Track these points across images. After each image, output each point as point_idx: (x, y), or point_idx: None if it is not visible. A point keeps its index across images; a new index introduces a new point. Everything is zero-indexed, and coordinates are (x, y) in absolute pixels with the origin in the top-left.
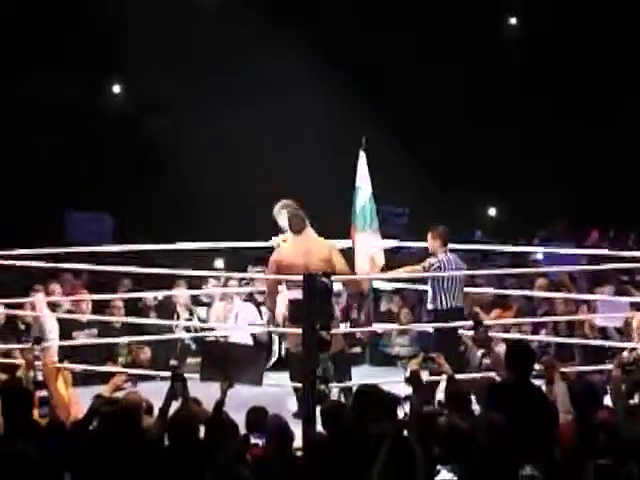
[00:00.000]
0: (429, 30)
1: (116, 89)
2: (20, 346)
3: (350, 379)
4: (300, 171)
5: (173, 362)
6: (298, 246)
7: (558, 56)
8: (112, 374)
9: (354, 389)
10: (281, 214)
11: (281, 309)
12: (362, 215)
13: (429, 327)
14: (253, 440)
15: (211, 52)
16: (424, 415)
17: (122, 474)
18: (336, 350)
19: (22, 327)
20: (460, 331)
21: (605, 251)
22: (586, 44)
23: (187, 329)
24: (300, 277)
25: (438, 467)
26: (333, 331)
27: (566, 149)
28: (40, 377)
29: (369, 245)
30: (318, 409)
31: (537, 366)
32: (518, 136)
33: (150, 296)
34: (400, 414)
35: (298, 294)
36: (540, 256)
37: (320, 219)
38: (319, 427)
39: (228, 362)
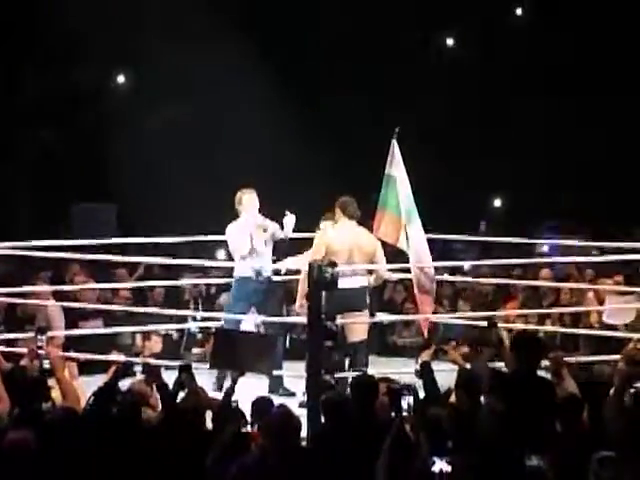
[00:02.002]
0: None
1: (120, 79)
2: (22, 335)
3: (367, 369)
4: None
5: (182, 352)
6: (344, 233)
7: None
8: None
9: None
10: (244, 200)
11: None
12: (411, 207)
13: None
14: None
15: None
16: (427, 407)
17: (122, 466)
18: (357, 340)
19: (21, 315)
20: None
21: (613, 243)
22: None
23: (194, 319)
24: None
25: (434, 458)
26: (338, 321)
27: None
28: (47, 365)
29: (422, 238)
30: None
31: (545, 362)
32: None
33: (157, 285)
34: (404, 405)
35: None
36: (545, 248)
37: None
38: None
39: (239, 350)
